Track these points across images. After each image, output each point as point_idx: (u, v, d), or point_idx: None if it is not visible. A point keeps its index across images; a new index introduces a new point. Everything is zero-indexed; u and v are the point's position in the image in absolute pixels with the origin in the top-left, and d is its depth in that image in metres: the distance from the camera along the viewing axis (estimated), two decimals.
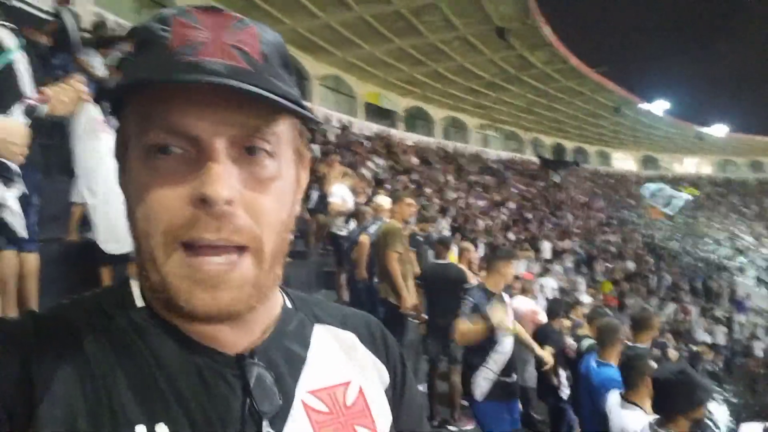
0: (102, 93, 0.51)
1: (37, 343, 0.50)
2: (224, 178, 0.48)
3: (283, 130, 0.54)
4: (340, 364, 0.63)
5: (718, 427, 7.46)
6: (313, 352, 0.61)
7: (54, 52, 5.94)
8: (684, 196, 22.55)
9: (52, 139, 4.72)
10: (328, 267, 7.48)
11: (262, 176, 0.52)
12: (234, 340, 0.56)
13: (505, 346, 3.78)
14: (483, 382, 3.70)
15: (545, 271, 12.67)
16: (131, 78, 0.50)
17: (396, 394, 0.68)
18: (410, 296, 4.63)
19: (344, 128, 18.83)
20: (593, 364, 3.94)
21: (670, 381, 2.48)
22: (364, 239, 5.48)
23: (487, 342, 3.70)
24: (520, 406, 6.28)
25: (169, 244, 0.49)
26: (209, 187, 0.47)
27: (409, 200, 5.34)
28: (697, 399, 2.47)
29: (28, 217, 2.76)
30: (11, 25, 2.74)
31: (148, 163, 0.50)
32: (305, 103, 0.56)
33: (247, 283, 0.51)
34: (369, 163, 13.82)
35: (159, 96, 0.48)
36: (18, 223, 2.67)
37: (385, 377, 0.67)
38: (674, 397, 2.47)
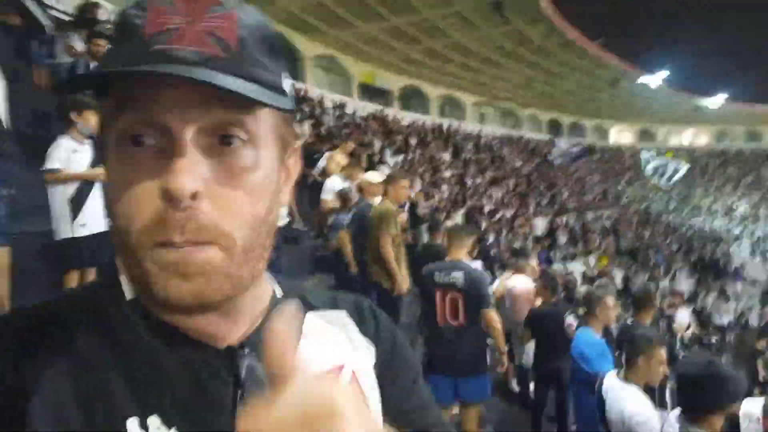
0: (71, 83, 0.47)
1: (28, 339, 0.50)
2: (187, 171, 0.47)
3: (263, 117, 0.52)
4: (332, 350, 0.62)
5: None
6: (304, 341, 0.60)
7: (30, 39, 5.76)
8: (683, 165, 22.44)
9: (34, 129, 4.60)
10: (321, 251, 7.41)
11: (235, 167, 0.50)
12: (224, 332, 0.55)
13: None
14: None
15: (572, 257, 12.72)
16: (95, 69, 0.49)
17: (384, 367, 0.66)
18: (404, 280, 4.56)
19: (337, 107, 18.60)
20: (578, 331, 4.02)
21: (696, 375, 2.26)
22: (344, 235, 5.39)
23: None
24: (515, 385, 6.39)
25: (145, 244, 0.48)
26: (173, 181, 0.46)
27: (404, 182, 5.20)
28: (730, 394, 2.24)
29: None
30: None
31: (121, 154, 0.49)
32: (292, 84, 0.55)
33: (217, 272, 0.50)
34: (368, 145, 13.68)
35: (131, 84, 0.48)
36: None
37: (373, 354, 0.66)
38: (703, 393, 2.24)
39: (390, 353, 0.69)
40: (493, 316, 3.91)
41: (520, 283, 6.52)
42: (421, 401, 0.71)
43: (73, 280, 3.66)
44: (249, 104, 0.50)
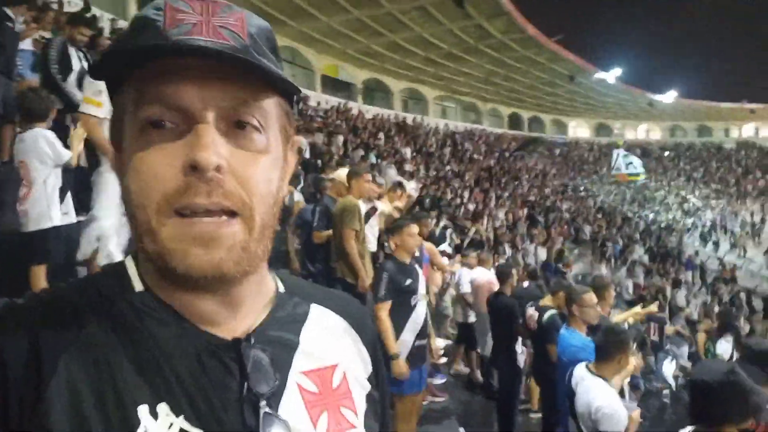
0: (95, 69, 0.51)
1: (45, 326, 0.51)
2: (212, 145, 0.51)
3: (271, 106, 0.57)
4: (329, 348, 0.65)
5: (667, 382, 7.81)
6: (304, 335, 0.63)
7: None
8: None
9: None
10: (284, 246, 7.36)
11: (250, 148, 0.55)
12: (231, 324, 0.58)
13: (420, 312, 3.86)
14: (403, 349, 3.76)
15: (543, 242, 13.10)
16: (118, 52, 0.54)
17: (379, 380, 0.70)
18: (368, 276, 4.55)
19: (300, 100, 18.42)
20: (563, 332, 3.91)
21: (717, 384, 2.07)
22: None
23: (400, 310, 3.78)
24: (479, 375, 6.50)
25: (163, 212, 0.51)
26: (198, 153, 0.50)
27: (367, 176, 5.15)
28: (753, 405, 2.08)
29: None
30: None
31: (142, 137, 0.52)
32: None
33: (237, 244, 0.53)
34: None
35: (153, 72, 0.51)
36: None
37: (368, 364, 0.69)
38: (724, 404, 2.07)
39: (380, 365, 0.72)
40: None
41: (481, 274, 6.68)
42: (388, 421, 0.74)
43: (40, 276, 3.50)
44: (259, 93, 0.55)
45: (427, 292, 4.12)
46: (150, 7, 0.54)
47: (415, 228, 3.92)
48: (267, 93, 0.56)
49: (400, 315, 3.76)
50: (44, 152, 3.49)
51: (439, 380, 5.77)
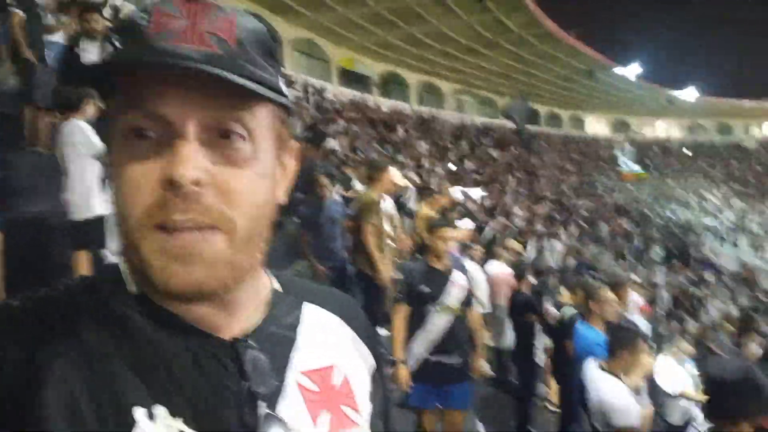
0: (81, 79, 0.53)
1: (40, 329, 0.50)
2: (191, 160, 0.49)
3: (260, 115, 0.55)
4: (327, 347, 0.65)
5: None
6: (302, 335, 0.63)
7: None
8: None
9: (12, 109, 4.49)
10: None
11: (235, 158, 0.53)
12: (228, 324, 0.57)
13: (435, 323, 3.51)
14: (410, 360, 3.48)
15: (552, 235, 13.10)
16: (104, 61, 0.55)
17: (379, 377, 0.70)
18: (386, 269, 4.56)
19: (317, 92, 18.44)
20: (578, 327, 3.89)
21: (732, 381, 2.13)
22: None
23: (416, 317, 3.52)
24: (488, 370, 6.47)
25: (143, 226, 0.50)
26: (175, 169, 0.48)
27: (391, 171, 5.04)
28: (765, 403, 2.13)
29: None
30: None
31: (124, 147, 0.51)
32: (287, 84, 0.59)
33: (220, 260, 0.52)
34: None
35: (136, 79, 0.50)
36: None
37: (370, 360, 0.69)
38: (739, 400, 2.11)
39: (380, 362, 0.72)
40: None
41: (498, 268, 6.66)
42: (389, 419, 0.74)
43: (83, 262, 3.61)
44: (246, 101, 0.53)
45: (468, 304, 3.69)
46: (139, 10, 0.53)
47: (448, 231, 3.70)
48: (255, 101, 0.54)
49: (413, 322, 3.52)
50: (79, 143, 3.57)
51: None
